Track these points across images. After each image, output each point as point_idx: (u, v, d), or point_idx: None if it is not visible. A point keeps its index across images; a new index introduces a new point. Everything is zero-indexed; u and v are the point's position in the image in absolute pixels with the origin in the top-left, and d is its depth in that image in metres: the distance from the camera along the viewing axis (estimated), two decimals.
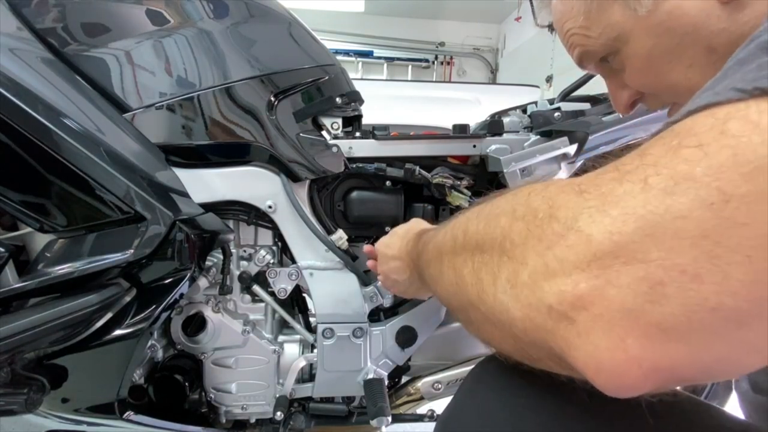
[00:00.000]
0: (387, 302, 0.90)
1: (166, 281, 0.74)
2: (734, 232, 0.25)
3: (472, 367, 0.51)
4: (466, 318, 0.43)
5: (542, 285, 0.30)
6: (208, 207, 0.79)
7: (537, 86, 3.50)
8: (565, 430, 0.37)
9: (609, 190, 0.30)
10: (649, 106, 0.52)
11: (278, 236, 0.88)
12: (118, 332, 0.72)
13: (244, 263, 0.88)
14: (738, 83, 0.28)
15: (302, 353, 0.91)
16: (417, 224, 0.71)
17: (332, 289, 0.87)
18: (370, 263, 0.81)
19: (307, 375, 0.93)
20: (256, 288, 0.88)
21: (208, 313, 0.86)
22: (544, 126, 0.92)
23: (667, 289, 0.26)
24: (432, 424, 0.67)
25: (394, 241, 0.70)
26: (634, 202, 0.28)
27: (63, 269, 0.69)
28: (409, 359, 0.97)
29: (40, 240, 0.76)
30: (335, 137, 0.88)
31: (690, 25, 0.42)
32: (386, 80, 5.54)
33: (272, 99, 0.79)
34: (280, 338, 0.92)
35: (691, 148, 0.27)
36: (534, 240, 0.32)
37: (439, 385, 0.94)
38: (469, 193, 0.90)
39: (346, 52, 5.77)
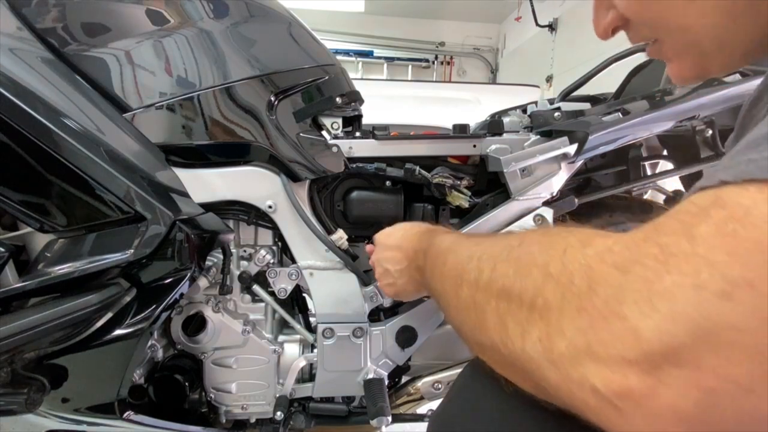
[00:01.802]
0: (387, 302, 0.90)
1: (166, 281, 0.74)
2: None
3: (465, 364, 0.51)
4: (480, 351, 0.42)
5: (585, 364, 0.29)
6: (208, 207, 0.79)
7: (537, 86, 3.50)
8: (556, 426, 0.37)
9: (654, 275, 0.27)
10: (631, 38, 0.47)
11: (278, 236, 0.88)
12: (118, 332, 0.72)
13: (244, 263, 0.88)
14: None
15: (302, 353, 0.91)
16: (425, 225, 0.70)
17: (332, 289, 0.87)
18: (371, 261, 0.81)
19: (307, 375, 0.93)
20: (256, 288, 0.88)
21: (208, 313, 0.86)
22: (544, 126, 0.92)
23: (719, 398, 0.26)
24: None
25: (395, 232, 0.70)
26: (684, 301, 0.26)
27: (63, 269, 0.68)
28: (409, 359, 0.97)
29: (40, 240, 0.76)
30: (335, 137, 0.88)
31: None
32: (386, 80, 5.54)
33: (272, 99, 0.79)
34: (280, 338, 0.92)
35: (752, 250, 0.25)
36: (572, 310, 0.31)
37: (439, 385, 0.94)
38: (469, 193, 0.90)
39: (346, 52, 5.77)
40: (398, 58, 6.08)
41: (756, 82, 0.52)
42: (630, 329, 0.27)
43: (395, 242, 0.68)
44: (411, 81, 5.38)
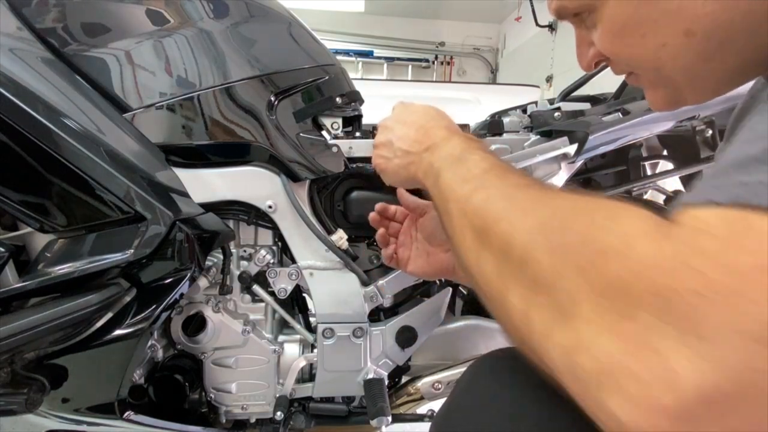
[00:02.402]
0: (387, 302, 0.90)
1: (166, 281, 0.74)
2: None
3: (468, 364, 0.51)
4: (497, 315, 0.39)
5: (611, 392, 0.27)
6: (208, 207, 0.79)
7: (537, 86, 3.51)
8: (560, 427, 0.37)
9: (698, 315, 0.26)
10: (613, 70, 0.50)
11: (278, 236, 0.88)
12: (118, 332, 0.72)
13: (244, 263, 0.88)
14: None
15: (302, 353, 0.91)
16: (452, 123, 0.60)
17: (332, 289, 0.87)
18: (379, 124, 0.69)
19: (307, 375, 0.93)
20: (256, 288, 0.88)
21: (208, 313, 0.86)
22: (544, 126, 0.92)
23: None
24: None
25: (419, 109, 0.62)
26: (730, 348, 0.25)
27: (63, 269, 0.69)
28: (409, 359, 0.97)
29: (40, 240, 0.76)
30: (335, 137, 0.88)
31: (674, 3, 0.39)
32: (386, 80, 5.54)
33: (272, 99, 0.79)
34: (280, 338, 0.92)
35: None
36: (604, 326, 0.28)
37: (439, 385, 0.94)
38: None
39: (346, 52, 5.77)
40: (398, 58, 6.08)
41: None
42: (668, 370, 0.26)
43: (417, 119, 0.60)
44: (411, 81, 5.38)
